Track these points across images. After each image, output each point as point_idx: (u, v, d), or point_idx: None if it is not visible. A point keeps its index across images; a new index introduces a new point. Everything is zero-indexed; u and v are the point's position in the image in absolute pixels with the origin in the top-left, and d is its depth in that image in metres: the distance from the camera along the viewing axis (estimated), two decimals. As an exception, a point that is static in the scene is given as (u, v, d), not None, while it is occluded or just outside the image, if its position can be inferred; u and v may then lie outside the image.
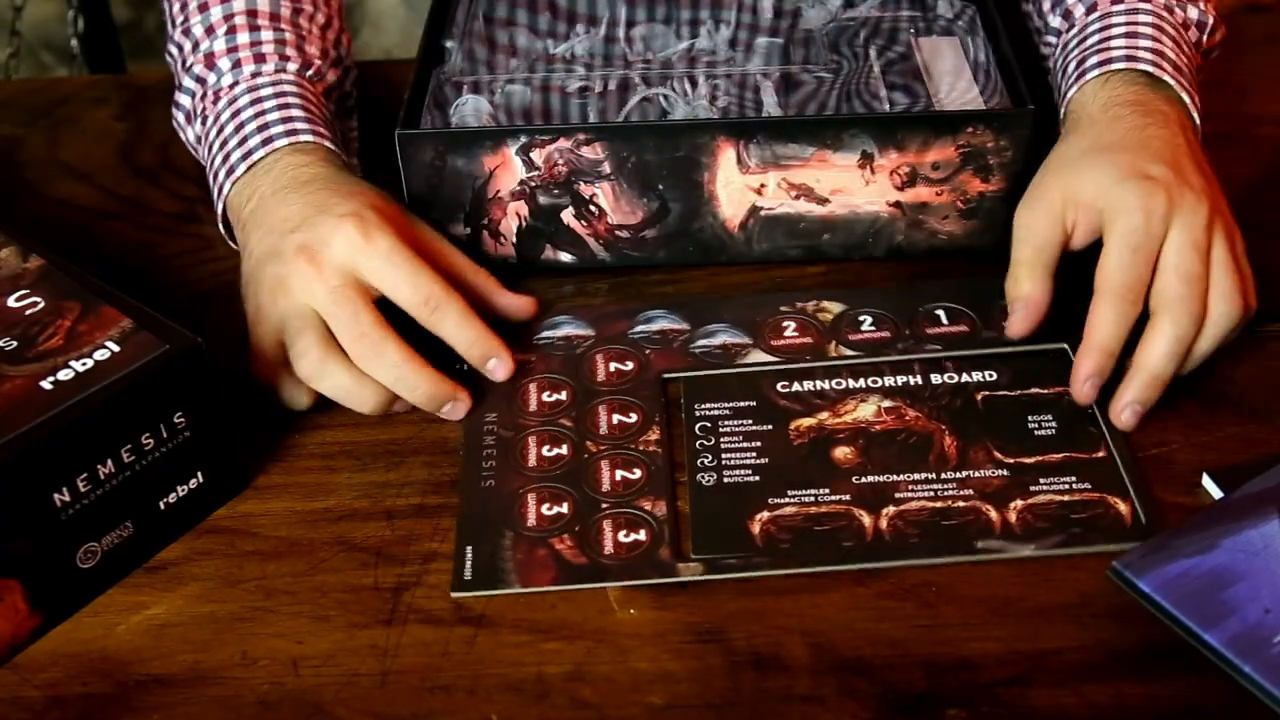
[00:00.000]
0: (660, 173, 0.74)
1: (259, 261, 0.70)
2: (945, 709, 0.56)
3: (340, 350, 0.67)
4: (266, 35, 0.79)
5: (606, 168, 0.74)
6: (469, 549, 0.63)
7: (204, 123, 0.78)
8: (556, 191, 0.75)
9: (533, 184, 0.75)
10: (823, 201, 0.75)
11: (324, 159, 0.73)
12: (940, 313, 0.74)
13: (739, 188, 0.75)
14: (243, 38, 0.79)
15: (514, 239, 0.77)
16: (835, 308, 0.75)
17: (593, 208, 0.75)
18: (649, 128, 0.75)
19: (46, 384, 0.59)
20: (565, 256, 0.78)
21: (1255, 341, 0.73)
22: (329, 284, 0.67)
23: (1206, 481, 0.65)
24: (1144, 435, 0.68)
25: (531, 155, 0.74)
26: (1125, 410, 0.67)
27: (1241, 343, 0.71)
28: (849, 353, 0.72)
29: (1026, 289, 0.70)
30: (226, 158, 0.74)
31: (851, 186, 0.75)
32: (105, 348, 0.61)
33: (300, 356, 0.67)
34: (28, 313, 0.63)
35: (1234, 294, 0.67)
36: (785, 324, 0.74)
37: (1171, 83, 0.74)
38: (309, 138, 0.74)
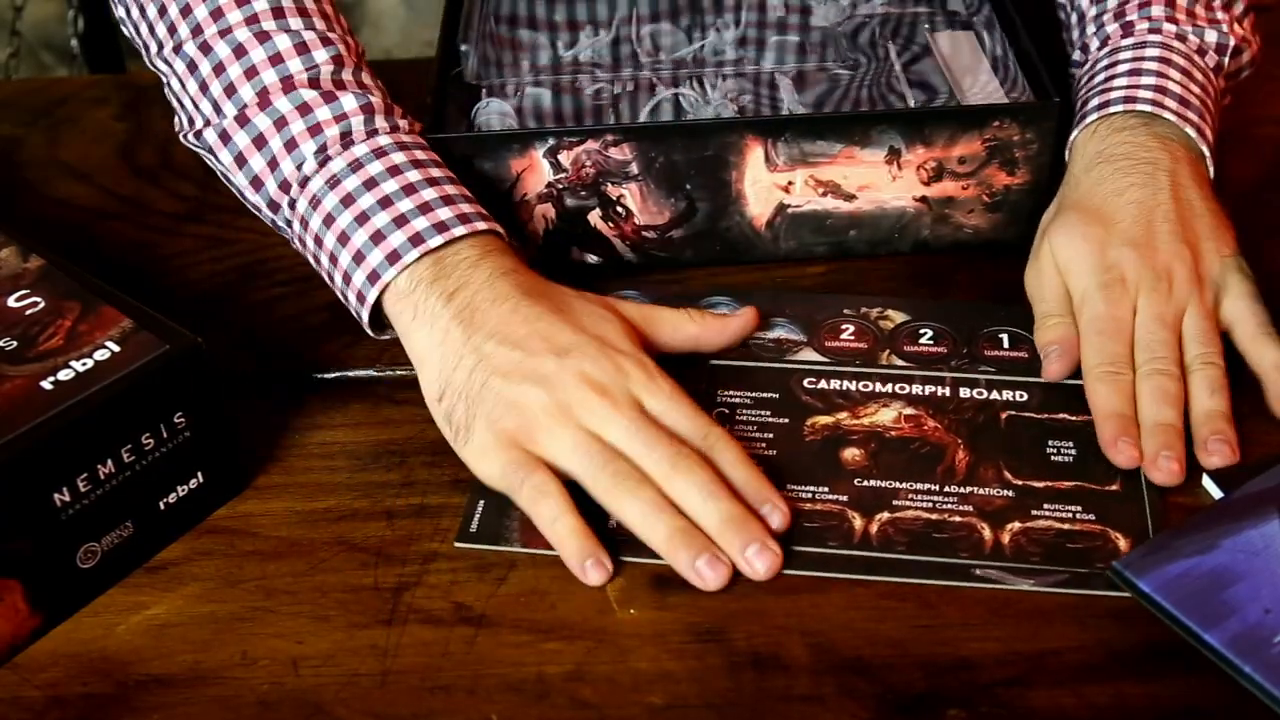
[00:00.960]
0: (688, 172, 0.75)
1: (505, 374, 0.64)
2: (945, 709, 0.56)
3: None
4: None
5: (634, 168, 0.74)
6: (480, 503, 0.64)
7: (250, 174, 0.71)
8: (584, 193, 0.75)
9: (560, 186, 0.75)
10: (850, 198, 0.76)
11: (505, 250, 0.69)
12: (1004, 336, 0.73)
13: (766, 186, 0.75)
14: (269, 75, 0.71)
15: (540, 242, 0.77)
16: (898, 317, 0.74)
17: (620, 209, 0.76)
18: (678, 128, 0.76)
19: (46, 384, 0.59)
20: (591, 258, 0.78)
21: (1255, 341, 0.73)
22: (626, 417, 0.63)
23: (1206, 481, 0.65)
24: (1144, 435, 0.68)
25: (559, 157, 0.74)
26: (1159, 460, 0.65)
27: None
28: (899, 363, 0.71)
29: (1056, 334, 0.70)
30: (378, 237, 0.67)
31: (878, 182, 0.76)
32: (105, 348, 0.61)
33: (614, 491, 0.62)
34: (28, 313, 0.63)
35: (1209, 353, 0.68)
36: (844, 327, 0.74)
37: (1173, 119, 0.74)
38: (482, 225, 0.69)
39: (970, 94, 0.80)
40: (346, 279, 0.68)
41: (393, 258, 0.67)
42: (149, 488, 0.62)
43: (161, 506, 0.63)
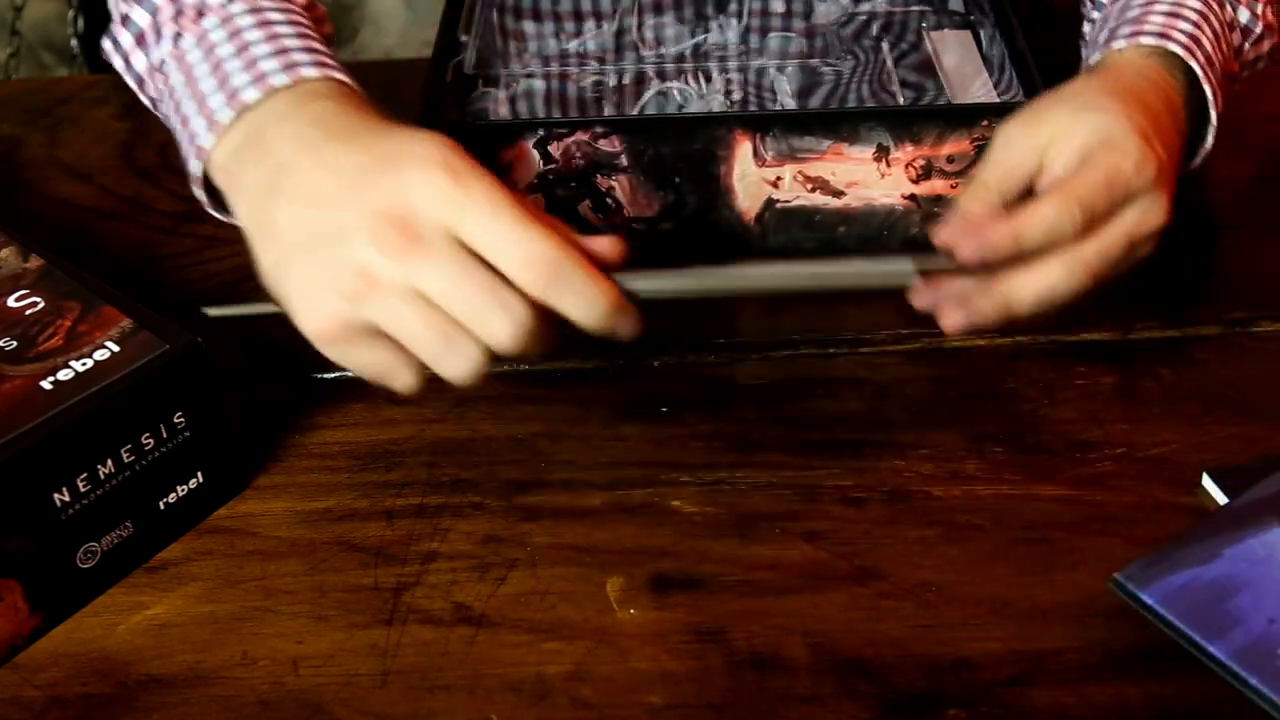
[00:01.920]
0: (677, 165, 0.75)
1: (298, 248, 0.55)
2: (945, 709, 0.56)
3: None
4: None
5: (624, 160, 0.75)
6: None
7: (155, 46, 0.65)
8: (574, 185, 0.75)
9: (550, 177, 0.75)
10: (838, 194, 0.76)
11: (358, 102, 0.59)
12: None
13: (755, 180, 0.76)
14: None
15: None
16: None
17: (610, 200, 0.76)
18: (666, 120, 0.76)
19: (46, 384, 0.59)
20: None
21: (1255, 341, 0.73)
22: (429, 253, 0.52)
23: (1206, 481, 0.65)
24: (1144, 435, 0.68)
25: (549, 148, 0.74)
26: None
27: (1241, 343, 0.71)
28: None
29: (973, 207, 0.62)
30: (211, 96, 0.60)
31: (867, 179, 0.76)
32: (105, 348, 0.61)
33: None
34: (28, 313, 0.63)
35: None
36: None
37: (1199, 72, 0.69)
38: (337, 75, 0.60)
39: (962, 94, 0.81)
40: (185, 160, 0.61)
41: (212, 124, 0.59)
42: (149, 488, 0.62)
43: (161, 506, 0.63)
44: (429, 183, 0.53)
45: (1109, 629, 0.59)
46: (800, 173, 0.76)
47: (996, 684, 0.57)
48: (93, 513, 0.60)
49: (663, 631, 0.60)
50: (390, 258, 0.52)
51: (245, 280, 0.80)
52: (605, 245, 0.56)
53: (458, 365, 0.54)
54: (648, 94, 0.82)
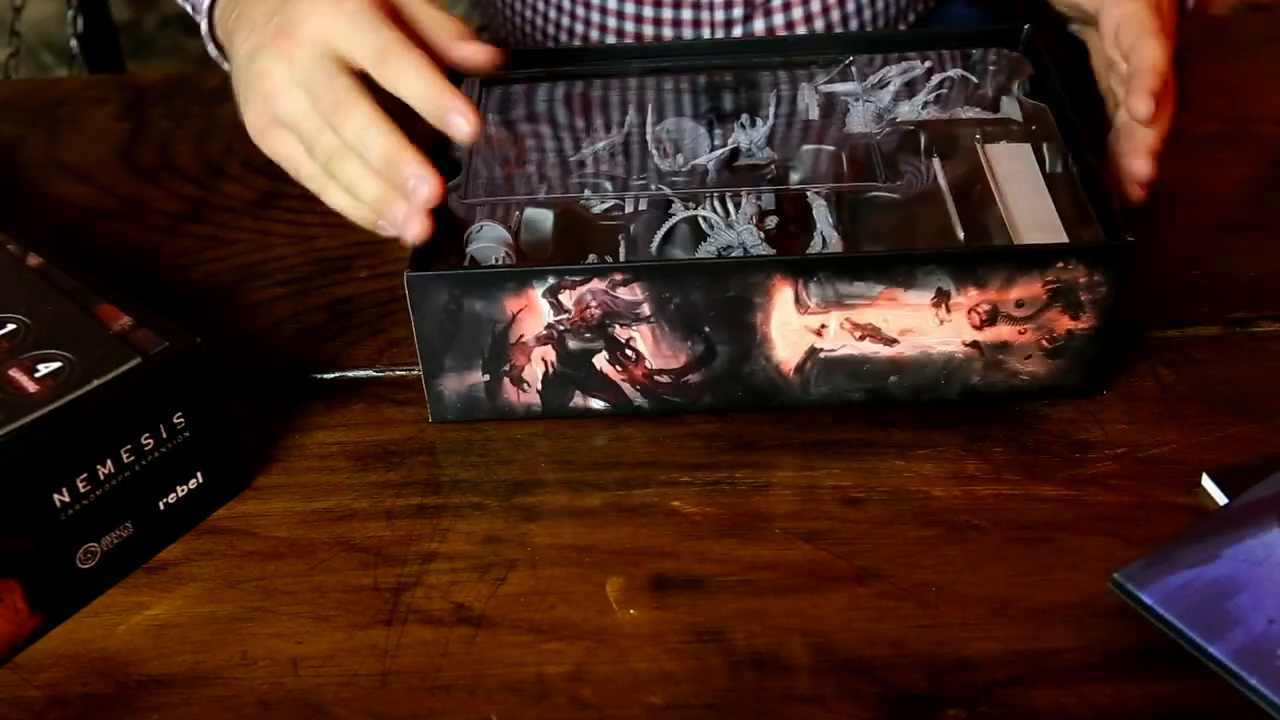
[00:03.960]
0: (707, 314, 0.66)
1: (245, 61, 0.67)
2: (945, 709, 0.56)
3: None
4: None
5: (646, 310, 0.66)
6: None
7: None
8: (588, 335, 0.67)
9: (561, 328, 0.67)
10: (890, 342, 0.67)
11: None
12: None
13: (796, 329, 0.67)
14: None
15: (539, 386, 0.68)
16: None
17: (629, 352, 0.67)
18: (695, 267, 0.66)
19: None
20: (596, 403, 0.69)
21: (1255, 341, 0.73)
22: (306, 58, 0.64)
23: (1206, 481, 0.65)
24: (1144, 435, 0.68)
25: (560, 297, 0.65)
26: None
27: (1241, 343, 0.71)
28: None
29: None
30: None
31: (924, 326, 0.67)
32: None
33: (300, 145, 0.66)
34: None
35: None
36: None
37: None
38: None
39: (1026, 224, 0.70)
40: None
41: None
42: (149, 488, 0.62)
43: (161, 507, 0.63)
44: (321, 11, 0.64)
45: (1109, 629, 0.59)
46: (848, 320, 0.66)
47: (996, 684, 0.57)
48: (92, 513, 0.60)
49: (663, 631, 0.60)
50: (285, 65, 0.65)
51: (245, 280, 0.80)
52: (475, 53, 0.67)
53: (327, 155, 0.65)
54: (670, 222, 0.71)
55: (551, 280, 0.65)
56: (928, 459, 0.67)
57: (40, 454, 0.57)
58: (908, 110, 0.77)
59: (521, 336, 0.67)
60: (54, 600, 0.60)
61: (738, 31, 1.01)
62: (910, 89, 0.79)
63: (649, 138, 0.76)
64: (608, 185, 0.74)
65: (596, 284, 0.65)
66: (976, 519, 0.64)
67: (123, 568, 0.63)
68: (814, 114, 0.78)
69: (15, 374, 0.59)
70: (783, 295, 0.65)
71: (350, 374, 0.74)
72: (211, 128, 0.93)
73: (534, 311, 0.66)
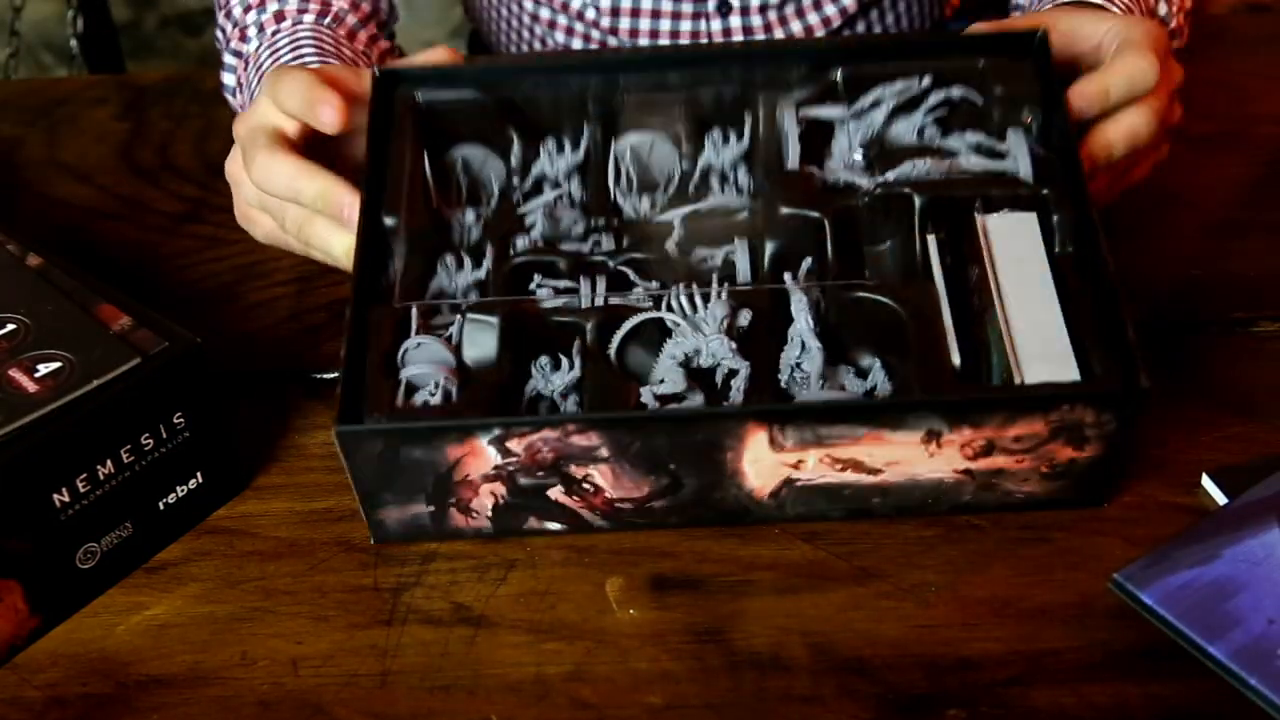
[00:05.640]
0: (671, 453, 0.60)
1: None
2: (945, 709, 0.56)
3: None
4: None
5: (604, 452, 0.60)
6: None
7: (246, 92, 0.84)
8: (541, 474, 0.61)
9: (511, 468, 0.61)
10: (874, 472, 0.62)
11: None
12: None
13: (770, 465, 0.61)
14: (271, 6, 0.86)
15: (489, 514, 0.63)
16: None
17: (587, 485, 0.62)
18: (659, 418, 0.60)
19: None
20: (554, 525, 0.64)
21: (1255, 341, 0.73)
22: (245, 138, 0.72)
23: (1206, 482, 0.65)
24: (1144, 435, 0.68)
25: (509, 445, 0.59)
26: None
27: (1241, 343, 0.71)
28: None
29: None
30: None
31: (911, 459, 0.61)
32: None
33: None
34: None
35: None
36: None
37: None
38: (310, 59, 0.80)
39: (1028, 349, 0.61)
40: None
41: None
42: (148, 488, 0.62)
43: (161, 507, 0.63)
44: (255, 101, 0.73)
45: (1109, 629, 0.59)
46: (828, 455, 0.61)
47: (996, 684, 0.57)
48: (92, 513, 0.60)
49: (662, 631, 0.59)
50: (238, 155, 0.74)
51: (245, 280, 0.80)
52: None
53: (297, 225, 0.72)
54: (630, 323, 0.64)
55: (498, 431, 0.59)
56: (928, 459, 0.67)
57: (40, 454, 0.57)
58: (904, 129, 0.71)
59: (468, 475, 0.61)
60: (54, 600, 0.60)
61: (737, 39, 1.01)
62: (905, 109, 0.71)
63: (610, 161, 0.71)
64: (560, 264, 0.67)
65: (548, 433, 0.59)
66: (976, 519, 0.64)
67: (122, 568, 0.63)
68: (793, 147, 0.70)
69: (15, 374, 0.59)
70: (756, 438, 0.60)
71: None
72: (211, 128, 0.93)
73: (479, 456, 0.60)
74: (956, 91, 0.71)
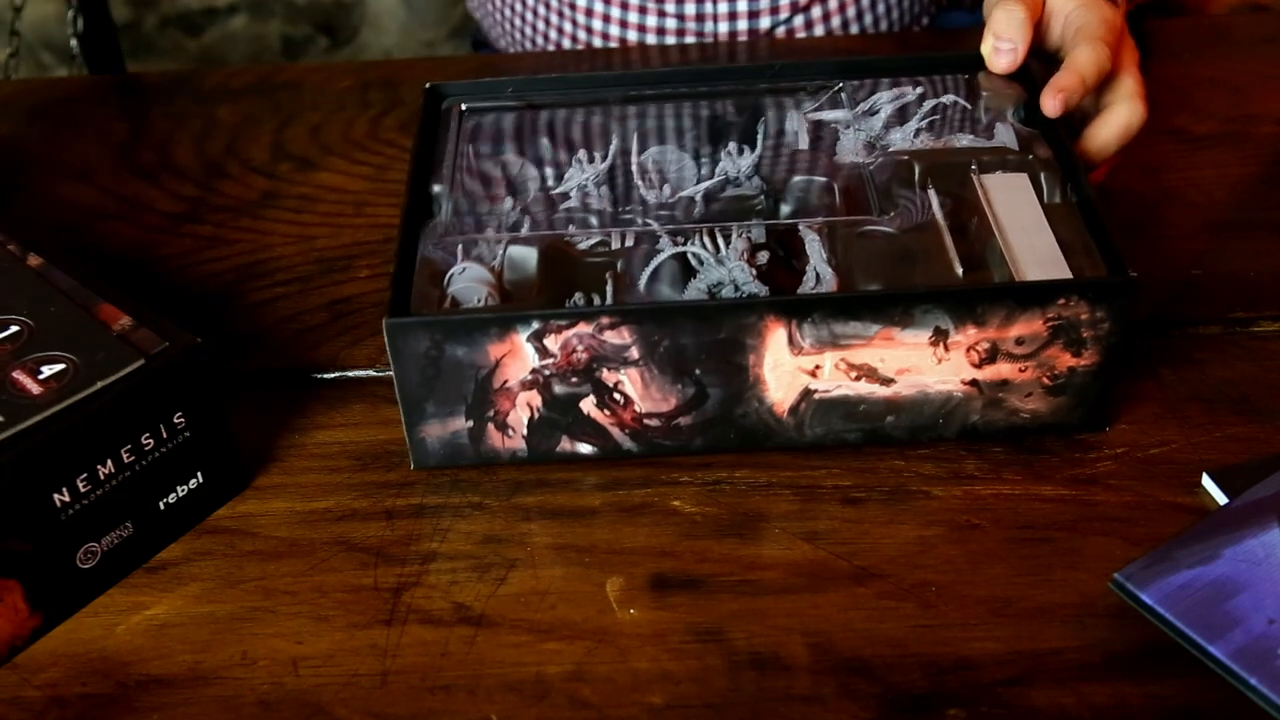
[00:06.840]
0: (698, 356, 0.64)
1: None
2: (945, 709, 0.56)
3: None
4: None
5: (634, 353, 0.64)
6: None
7: None
8: (575, 380, 0.65)
9: (547, 373, 0.65)
10: (887, 382, 0.66)
11: None
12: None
13: (790, 370, 0.65)
14: None
15: (525, 432, 0.67)
16: None
17: (618, 396, 0.65)
18: (685, 309, 0.64)
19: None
20: (584, 448, 0.67)
21: (1255, 341, 0.73)
22: None
23: (1206, 481, 0.65)
24: (1144, 435, 0.68)
25: (545, 342, 0.63)
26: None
27: (1241, 343, 0.71)
28: None
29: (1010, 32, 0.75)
30: None
31: (921, 365, 0.65)
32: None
33: None
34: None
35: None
36: None
37: None
38: None
39: (1026, 259, 0.67)
40: None
41: None
42: (149, 488, 0.62)
43: (161, 506, 0.63)
44: None
45: (1109, 629, 0.59)
46: (843, 360, 0.65)
47: (996, 684, 0.57)
48: (92, 513, 0.60)
49: (662, 631, 0.60)
50: None
51: (245, 280, 0.80)
52: None
53: None
54: (658, 258, 0.68)
55: (536, 325, 0.63)
56: (928, 458, 0.67)
57: (41, 455, 0.57)
58: (899, 138, 0.75)
59: (506, 382, 0.65)
60: (54, 600, 0.60)
61: (742, 25, 1.01)
62: (902, 115, 0.77)
63: (634, 168, 0.75)
64: (593, 220, 0.72)
65: (583, 327, 0.63)
66: (976, 519, 0.64)
67: (123, 568, 0.63)
68: (803, 142, 0.76)
69: (19, 376, 0.59)
70: (776, 337, 0.64)
71: (350, 374, 0.74)
72: (211, 128, 0.93)
73: (518, 357, 0.64)
74: (948, 98, 0.77)
